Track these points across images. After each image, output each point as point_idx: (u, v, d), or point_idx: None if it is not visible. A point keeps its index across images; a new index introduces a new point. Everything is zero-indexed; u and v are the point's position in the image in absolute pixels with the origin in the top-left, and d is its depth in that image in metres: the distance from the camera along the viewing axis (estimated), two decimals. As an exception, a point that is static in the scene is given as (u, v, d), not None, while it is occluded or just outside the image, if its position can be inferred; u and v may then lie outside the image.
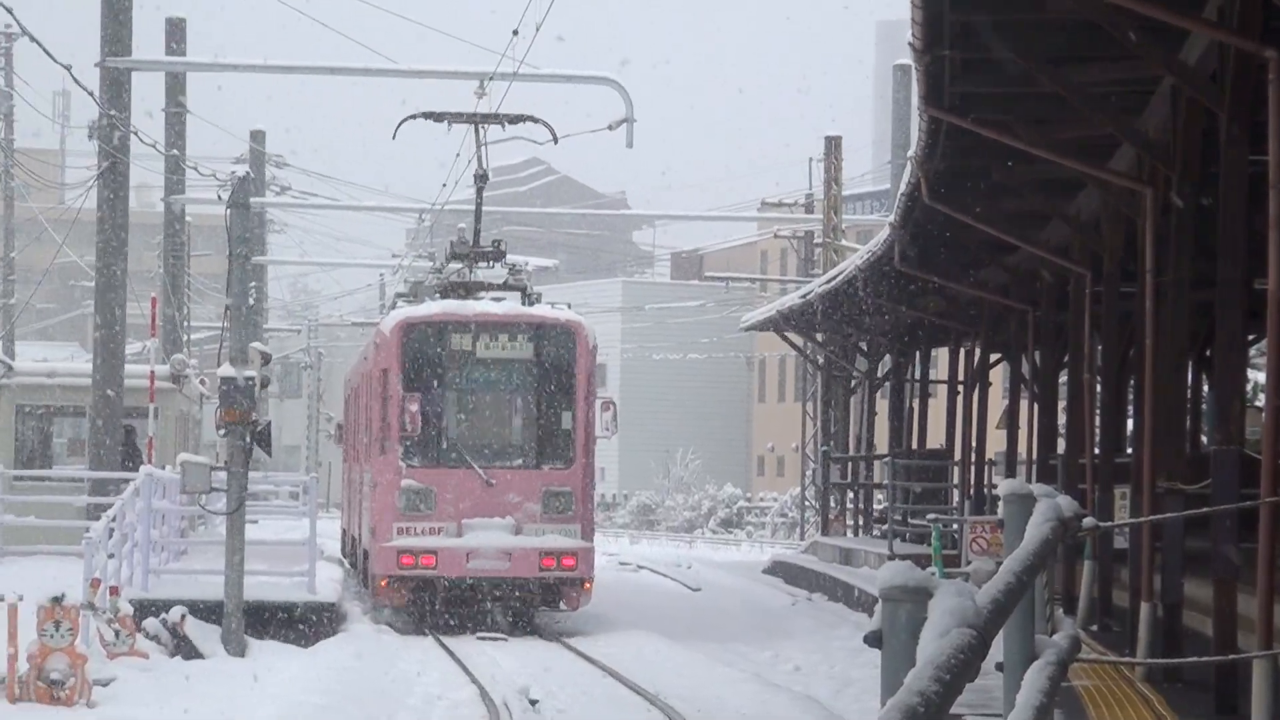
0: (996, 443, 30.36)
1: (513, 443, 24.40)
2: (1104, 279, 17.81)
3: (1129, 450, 19.92)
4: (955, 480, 30.03)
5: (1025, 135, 15.96)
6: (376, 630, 22.95)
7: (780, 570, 36.15)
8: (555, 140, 26.80)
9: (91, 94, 25.55)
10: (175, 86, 36.13)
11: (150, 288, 43.78)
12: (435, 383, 24.10)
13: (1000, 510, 7.89)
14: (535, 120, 26.44)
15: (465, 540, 23.50)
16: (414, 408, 23.75)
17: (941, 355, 37.40)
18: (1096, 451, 18.37)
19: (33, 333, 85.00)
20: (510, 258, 28.55)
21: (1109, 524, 15.47)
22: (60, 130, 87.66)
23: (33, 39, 23.21)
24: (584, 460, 24.11)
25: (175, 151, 35.15)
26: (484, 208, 27.95)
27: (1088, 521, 8.49)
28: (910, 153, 19.49)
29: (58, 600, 17.15)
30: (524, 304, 25.20)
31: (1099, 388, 18.79)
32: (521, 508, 23.71)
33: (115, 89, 26.04)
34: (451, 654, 21.04)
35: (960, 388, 30.38)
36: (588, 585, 23.93)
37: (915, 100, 16.56)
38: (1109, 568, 17.40)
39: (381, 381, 24.39)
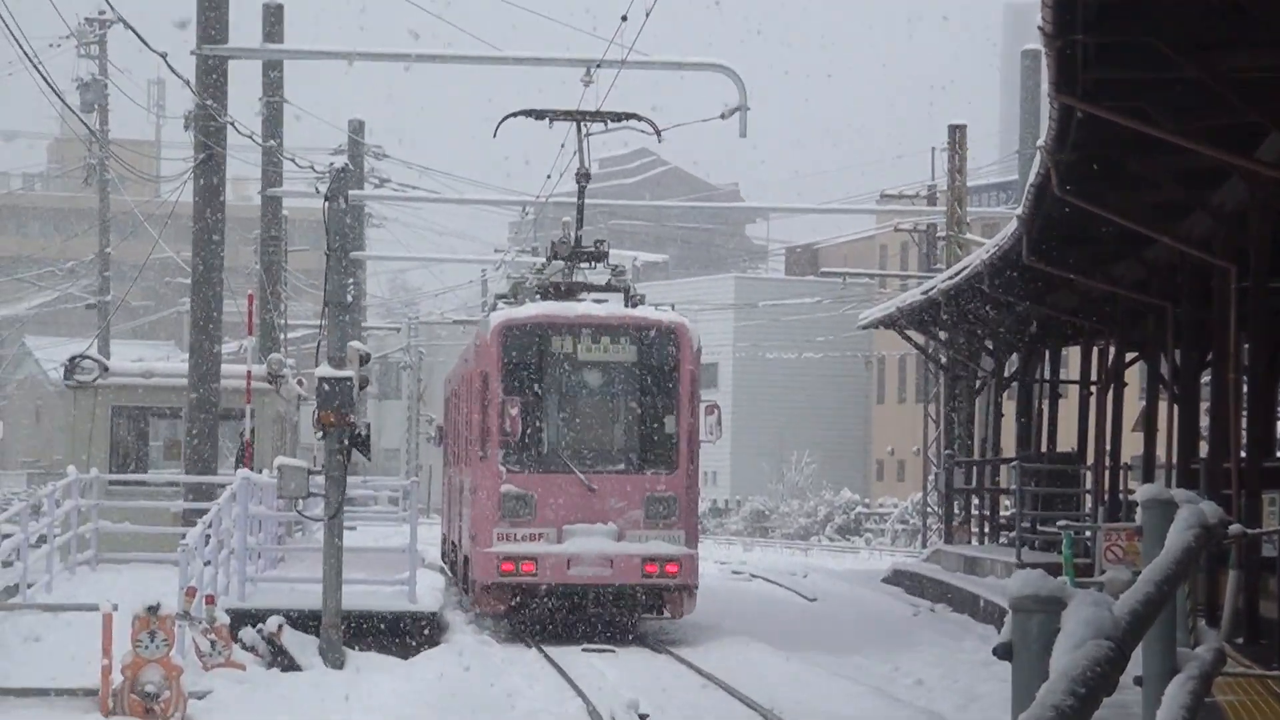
0: (1132, 446, 30.06)
1: (615, 447, 24.59)
2: (1251, 274, 17.56)
3: (1279, 454, 19.65)
4: (1088, 485, 29.77)
5: (1164, 123, 15.78)
6: (479, 641, 23.08)
7: (901, 579, 35.99)
8: (659, 137, 26.91)
9: (187, 83, 25.84)
10: (273, 75, 36.51)
11: (247, 284, 44.31)
12: (536, 386, 24.30)
13: (1138, 517, 7.81)
14: (639, 118, 26.56)
15: (566, 546, 23.73)
16: (514, 411, 23.96)
17: (1073, 354, 37.06)
18: (1243, 455, 18.12)
19: (128, 331, 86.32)
20: (615, 254, 28.62)
21: (1257, 531, 15.27)
22: (155, 120, 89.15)
23: (127, 25, 23.55)
24: (688, 465, 24.27)
25: (273, 142, 35.50)
26: (590, 201, 28.07)
27: (1234, 528, 8.39)
28: (1040, 142, 19.32)
29: (153, 610, 17.37)
30: (626, 305, 25.32)
31: (1245, 388, 18.53)
32: (624, 514, 23.92)
33: (212, 77, 26.32)
34: (556, 666, 21.13)
35: (1093, 388, 30.11)
36: (692, 592, 24.05)
37: (1045, 87, 16.42)
38: (1256, 577, 17.17)
39: (481, 384, 24.59)
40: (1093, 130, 16.93)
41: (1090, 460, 29.55)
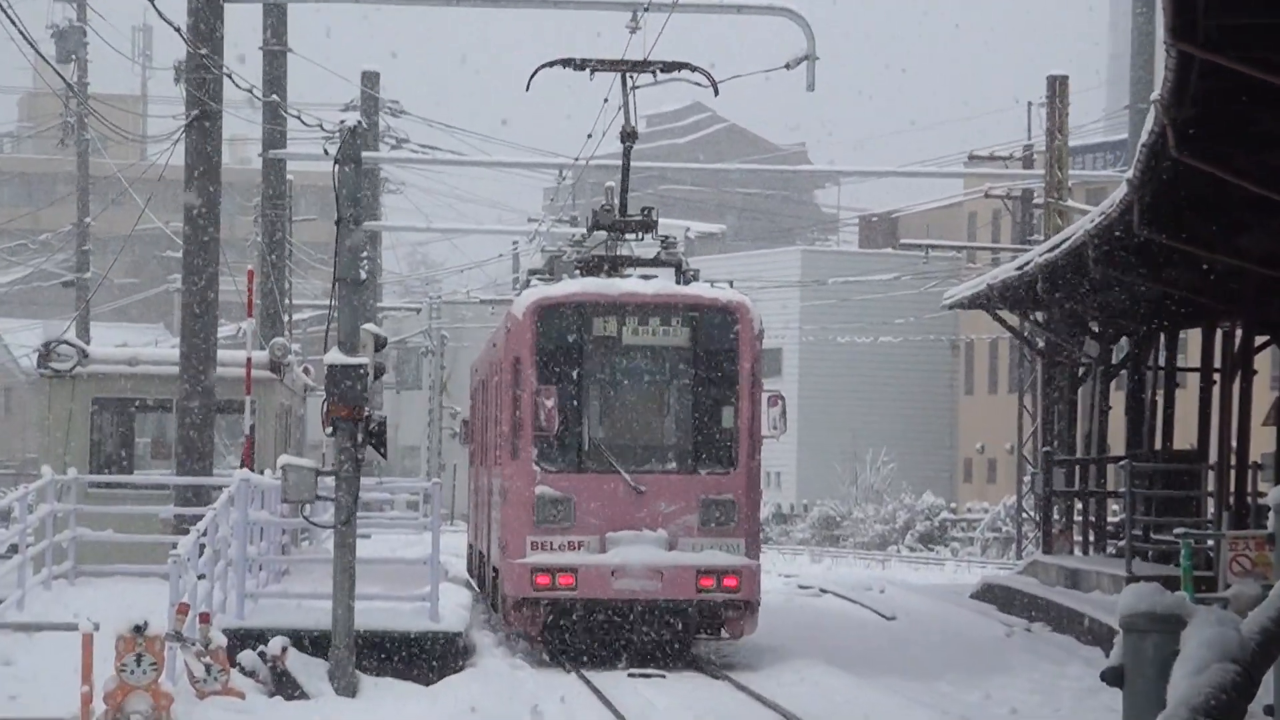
0: (1262, 443, 29.97)
1: (665, 444, 24.64)
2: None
3: None
4: (1209, 488, 29.69)
5: (1297, 71, 15.69)
6: (510, 665, 23.19)
7: (992, 595, 35.99)
8: (715, 91, 26.96)
9: (178, 29, 25.91)
10: (275, 20, 36.63)
11: (246, 259, 44.56)
12: (574, 374, 24.37)
13: (1270, 523, 7.79)
14: (693, 68, 26.60)
15: (610, 557, 23.79)
16: (550, 403, 24.03)
17: (1192, 338, 36.89)
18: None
19: (110, 312, 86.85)
20: (665, 223, 28.62)
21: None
22: (141, 73, 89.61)
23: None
24: (748, 464, 24.30)
25: (275, 97, 35.63)
26: (637, 163, 28.08)
27: (1376, 538, 8.35)
28: (1154, 96, 19.25)
29: (139, 630, 17.47)
30: (678, 282, 25.36)
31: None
32: (675, 519, 23.99)
33: (205, 23, 26.41)
34: (599, 693, 21.20)
35: (1216, 376, 29.99)
36: (753, 609, 24.09)
37: (1160, 33, 16.37)
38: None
39: (512, 372, 24.66)
40: (1215, 82, 16.87)
41: (1212, 459, 29.43)
